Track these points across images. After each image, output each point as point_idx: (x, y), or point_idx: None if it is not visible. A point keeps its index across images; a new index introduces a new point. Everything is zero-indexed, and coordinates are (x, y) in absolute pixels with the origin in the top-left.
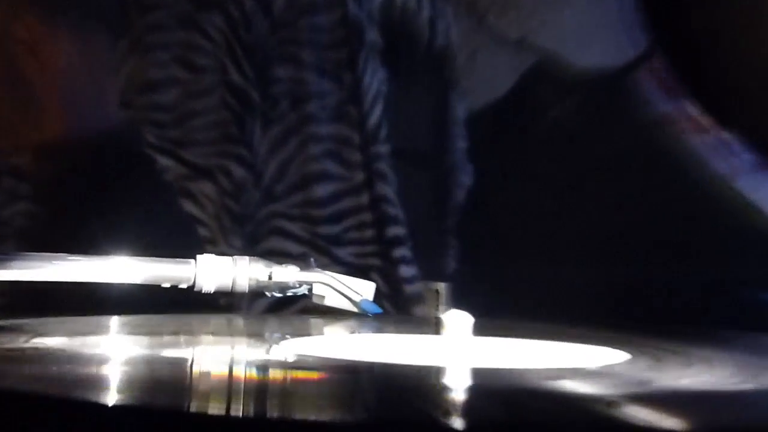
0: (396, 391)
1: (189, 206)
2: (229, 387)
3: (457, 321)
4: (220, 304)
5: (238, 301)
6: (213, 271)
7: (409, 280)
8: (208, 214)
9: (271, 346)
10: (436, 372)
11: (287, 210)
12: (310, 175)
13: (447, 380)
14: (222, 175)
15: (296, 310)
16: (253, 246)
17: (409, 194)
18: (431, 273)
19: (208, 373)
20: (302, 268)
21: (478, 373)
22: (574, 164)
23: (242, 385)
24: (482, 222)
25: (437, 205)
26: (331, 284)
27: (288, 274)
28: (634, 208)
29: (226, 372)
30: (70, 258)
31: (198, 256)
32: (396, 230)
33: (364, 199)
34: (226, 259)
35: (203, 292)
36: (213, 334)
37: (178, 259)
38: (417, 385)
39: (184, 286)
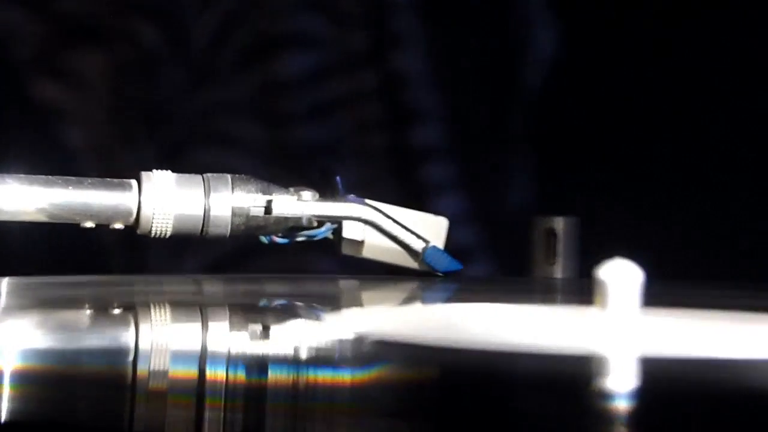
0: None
1: (54, 92)
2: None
3: (618, 282)
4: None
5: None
6: (169, 199)
7: (451, 220)
8: (93, 106)
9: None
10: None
11: (235, 100)
12: (275, 38)
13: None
14: (120, 40)
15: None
16: (176, 162)
17: (449, 71)
18: (485, 208)
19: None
20: (321, 195)
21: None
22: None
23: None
24: (570, 121)
25: (496, 94)
26: (374, 221)
27: (298, 203)
28: None
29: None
30: None
31: (143, 174)
32: (425, 135)
33: (368, 79)
34: (190, 179)
35: (154, 236)
36: (172, 306)
37: (106, 180)
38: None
39: (119, 226)
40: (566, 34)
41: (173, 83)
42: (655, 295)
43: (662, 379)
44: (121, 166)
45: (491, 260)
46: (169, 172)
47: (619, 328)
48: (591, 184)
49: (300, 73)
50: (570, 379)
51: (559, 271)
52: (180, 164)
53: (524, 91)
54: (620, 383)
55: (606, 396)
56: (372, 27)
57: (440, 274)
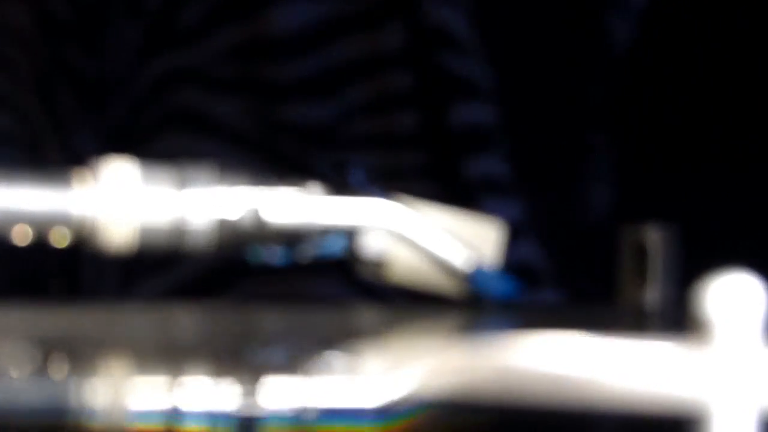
0: None
1: None
2: None
3: (732, 305)
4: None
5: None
6: (125, 200)
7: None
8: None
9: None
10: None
11: (207, 66)
12: None
13: None
14: None
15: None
16: (127, 149)
17: (503, 24)
18: (551, 215)
19: None
20: (335, 190)
21: None
22: None
23: None
24: (663, 101)
25: (565, 64)
26: (405, 230)
27: (299, 205)
28: None
29: None
30: None
31: (95, 163)
32: (473, 112)
33: (393, 36)
34: (160, 172)
35: (109, 250)
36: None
37: (39, 173)
38: None
39: (60, 242)
40: None
41: (123, 47)
42: None
43: None
44: (53, 158)
45: (559, 283)
46: (131, 160)
47: (736, 369)
48: (694, 183)
49: (294, 28)
50: None
51: (651, 297)
52: (128, 156)
53: (603, 60)
54: None
55: None
56: None
57: (486, 299)
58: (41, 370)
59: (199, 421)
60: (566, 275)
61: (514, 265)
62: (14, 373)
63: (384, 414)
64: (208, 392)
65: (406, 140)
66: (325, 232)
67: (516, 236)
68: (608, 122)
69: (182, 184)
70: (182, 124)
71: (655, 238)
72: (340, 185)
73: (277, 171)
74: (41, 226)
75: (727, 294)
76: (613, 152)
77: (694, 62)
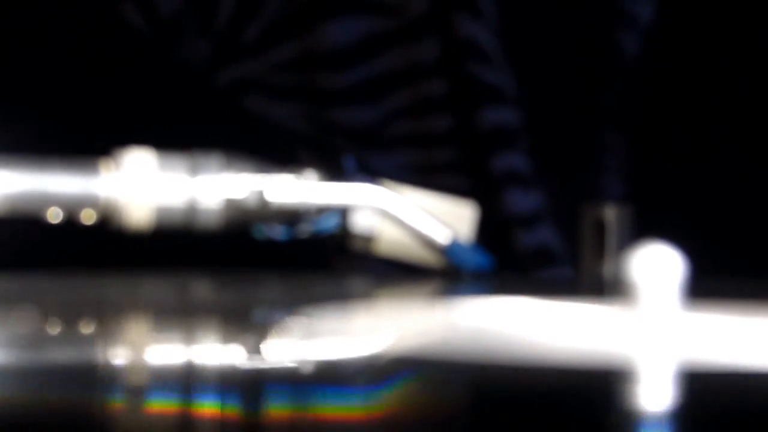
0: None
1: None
2: None
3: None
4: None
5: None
6: (144, 185)
7: (526, 218)
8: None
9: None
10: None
11: (268, 76)
12: (316, 3)
13: None
14: (130, 5)
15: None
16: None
17: (525, 38)
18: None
19: None
20: (329, 176)
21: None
22: None
23: None
24: (671, 101)
25: (581, 70)
26: (389, 209)
27: (298, 189)
28: None
29: None
30: None
31: (116, 153)
32: (499, 114)
33: (429, 49)
34: (174, 159)
35: (129, 230)
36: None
37: (69, 161)
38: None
39: (87, 221)
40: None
41: (193, 56)
42: (704, 292)
43: (699, 394)
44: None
45: (572, 263)
46: (149, 150)
47: (649, 328)
48: (696, 176)
49: (345, 42)
50: (588, 396)
51: (610, 269)
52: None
53: (615, 67)
54: (648, 399)
55: (633, 416)
56: None
57: (462, 272)
58: (70, 329)
59: (210, 398)
60: (579, 256)
61: (535, 247)
62: (47, 331)
63: (372, 390)
64: (217, 349)
65: (441, 139)
66: (321, 211)
67: (537, 222)
68: (618, 123)
69: (194, 170)
70: (246, 124)
71: (612, 215)
72: (334, 171)
73: (327, 167)
74: (72, 207)
75: (649, 261)
76: (623, 149)
77: (696, 71)
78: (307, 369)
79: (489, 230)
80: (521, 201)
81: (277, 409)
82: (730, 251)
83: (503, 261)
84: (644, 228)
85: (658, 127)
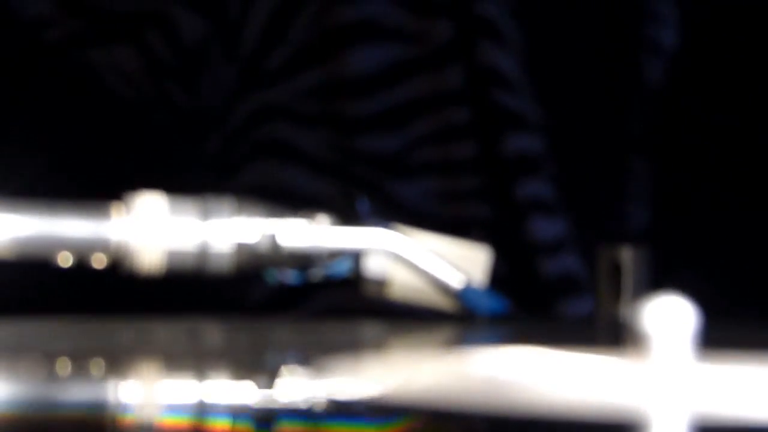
0: None
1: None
2: None
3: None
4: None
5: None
6: (155, 229)
7: (550, 246)
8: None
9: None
10: None
11: (292, 103)
12: (340, 30)
13: None
14: (154, 32)
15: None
16: (222, 177)
17: (549, 65)
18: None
19: None
20: (342, 220)
21: None
22: None
23: None
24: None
25: (606, 93)
26: (403, 254)
27: (310, 233)
28: None
29: None
30: None
31: (127, 198)
32: (523, 141)
33: (453, 76)
34: (186, 203)
35: (140, 274)
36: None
37: (81, 204)
38: None
39: (98, 265)
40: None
41: (219, 85)
42: (719, 341)
43: None
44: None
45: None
46: (160, 193)
47: (663, 381)
48: (720, 204)
49: (369, 69)
50: None
51: (626, 311)
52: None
53: (642, 94)
54: None
55: None
56: (458, 14)
57: (478, 316)
58: (82, 372)
59: (221, 416)
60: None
61: (558, 274)
62: (58, 374)
63: (382, 416)
64: (229, 390)
65: (465, 166)
66: (334, 256)
67: (561, 250)
68: (643, 149)
69: (206, 214)
70: (271, 153)
71: (628, 257)
72: (347, 214)
73: (351, 194)
74: (83, 250)
75: (660, 313)
76: (648, 176)
77: (719, 97)
78: (317, 411)
79: (513, 258)
80: (545, 228)
81: None
82: (750, 283)
83: (527, 289)
84: (669, 252)
85: (682, 154)
